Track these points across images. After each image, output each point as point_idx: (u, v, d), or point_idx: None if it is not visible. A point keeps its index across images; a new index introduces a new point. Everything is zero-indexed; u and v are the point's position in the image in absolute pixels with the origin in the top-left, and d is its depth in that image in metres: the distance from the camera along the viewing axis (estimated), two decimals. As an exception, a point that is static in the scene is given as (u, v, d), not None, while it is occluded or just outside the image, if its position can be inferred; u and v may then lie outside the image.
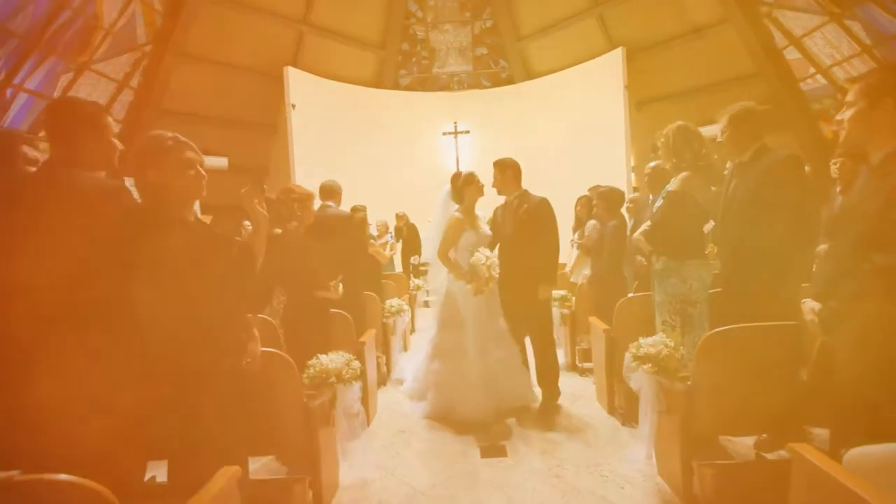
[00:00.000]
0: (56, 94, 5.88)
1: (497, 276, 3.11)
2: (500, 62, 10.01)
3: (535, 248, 3.24)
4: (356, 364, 2.39)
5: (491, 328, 3.29)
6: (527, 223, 3.24)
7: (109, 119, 1.76)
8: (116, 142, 1.76)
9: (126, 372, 1.45)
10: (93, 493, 1.01)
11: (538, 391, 3.42)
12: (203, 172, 1.60)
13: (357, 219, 4.30)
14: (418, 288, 6.53)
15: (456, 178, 3.37)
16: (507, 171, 3.34)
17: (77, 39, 5.91)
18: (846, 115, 1.61)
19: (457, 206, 3.34)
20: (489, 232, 3.38)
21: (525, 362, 3.47)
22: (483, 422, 3.08)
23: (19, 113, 5.60)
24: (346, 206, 4.08)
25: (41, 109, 5.72)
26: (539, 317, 3.38)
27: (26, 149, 1.92)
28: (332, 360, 2.32)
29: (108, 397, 1.41)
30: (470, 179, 3.30)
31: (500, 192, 3.41)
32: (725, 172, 2.72)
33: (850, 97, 1.60)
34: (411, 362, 4.07)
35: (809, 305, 1.71)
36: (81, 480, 1.00)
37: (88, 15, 5.85)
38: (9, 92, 5.38)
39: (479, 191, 3.34)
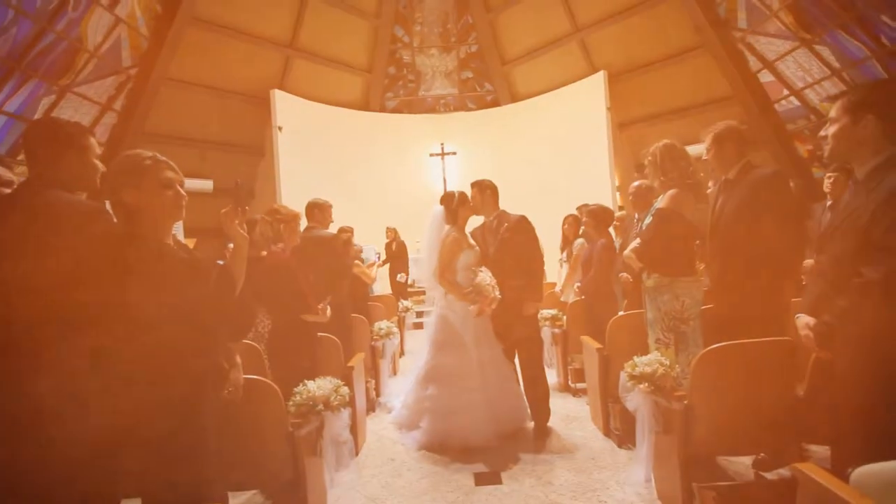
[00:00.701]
0: (37, 117, 5.78)
1: (500, 296, 3.08)
2: (486, 85, 10.21)
3: (520, 266, 3.23)
4: (345, 390, 2.31)
5: (488, 348, 3.24)
6: (509, 242, 3.26)
7: (92, 140, 1.71)
8: (98, 163, 1.70)
9: (100, 401, 1.36)
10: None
11: (531, 411, 3.35)
12: (182, 192, 1.54)
13: (341, 240, 4.26)
14: (407, 309, 6.44)
15: (449, 199, 3.35)
16: (486, 192, 3.38)
17: (60, 62, 5.85)
18: (830, 130, 1.64)
19: (448, 227, 3.32)
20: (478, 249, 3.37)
21: (518, 382, 3.41)
22: (484, 446, 3.00)
23: (-3, 136, 5.48)
24: (336, 224, 4.01)
25: (21, 132, 5.61)
26: (526, 336, 3.34)
27: (0, 170, 1.85)
28: (319, 386, 2.23)
29: (78, 428, 1.32)
30: (464, 200, 3.33)
31: (478, 213, 3.44)
32: (708, 191, 2.77)
33: (833, 113, 1.63)
34: (401, 388, 3.96)
35: (804, 321, 1.70)
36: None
37: (72, 38, 5.82)
38: (-13, 115, 5.28)
39: (472, 210, 3.37)
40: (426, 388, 3.28)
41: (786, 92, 6.73)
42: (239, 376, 1.80)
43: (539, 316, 3.82)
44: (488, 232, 3.39)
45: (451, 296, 3.23)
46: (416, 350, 4.63)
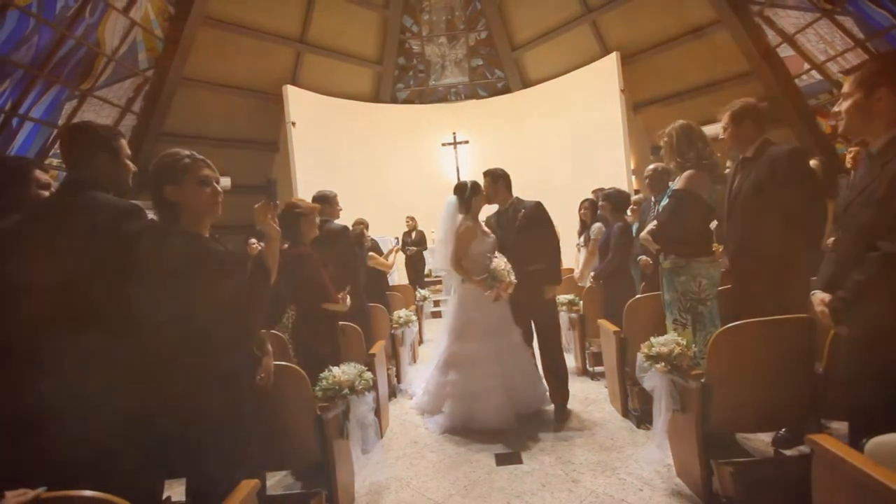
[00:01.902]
0: (61, 122, 5.98)
1: (515, 280, 3.13)
2: (496, 72, 10.14)
3: (539, 251, 3.27)
4: (368, 375, 2.39)
5: (506, 334, 3.30)
6: (527, 228, 3.30)
7: (123, 141, 1.80)
8: (130, 164, 1.79)
9: (142, 390, 1.46)
10: (118, 510, 1.02)
11: (551, 394, 3.40)
12: (219, 189, 1.63)
13: (354, 232, 4.33)
14: (425, 298, 6.54)
15: (461, 189, 3.40)
16: (500, 182, 3.41)
17: (80, 67, 6.03)
18: (843, 105, 1.63)
19: (461, 217, 3.37)
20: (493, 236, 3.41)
21: (536, 366, 3.47)
22: (504, 429, 3.08)
23: (26, 141, 5.69)
24: (346, 216, 4.07)
25: (48, 137, 5.82)
26: (545, 319, 3.40)
27: (38, 173, 1.96)
28: (344, 371, 2.32)
29: (125, 415, 1.42)
30: (476, 189, 3.38)
31: (491, 202, 3.48)
32: (726, 171, 2.74)
33: (846, 88, 1.61)
34: (421, 375, 4.06)
35: (819, 297, 1.71)
36: (108, 497, 1.01)
37: (91, 43, 5.98)
38: (15, 122, 5.48)
39: (485, 199, 3.42)
40: (447, 373, 3.36)
41: (807, 66, 6.53)
42: (270, 363, 1.89)
43: (556, 301, 3.86)
44: (504, 219, 3.44)
45: (467, 283, 3.29)
46: (435, 338, 4.71)
